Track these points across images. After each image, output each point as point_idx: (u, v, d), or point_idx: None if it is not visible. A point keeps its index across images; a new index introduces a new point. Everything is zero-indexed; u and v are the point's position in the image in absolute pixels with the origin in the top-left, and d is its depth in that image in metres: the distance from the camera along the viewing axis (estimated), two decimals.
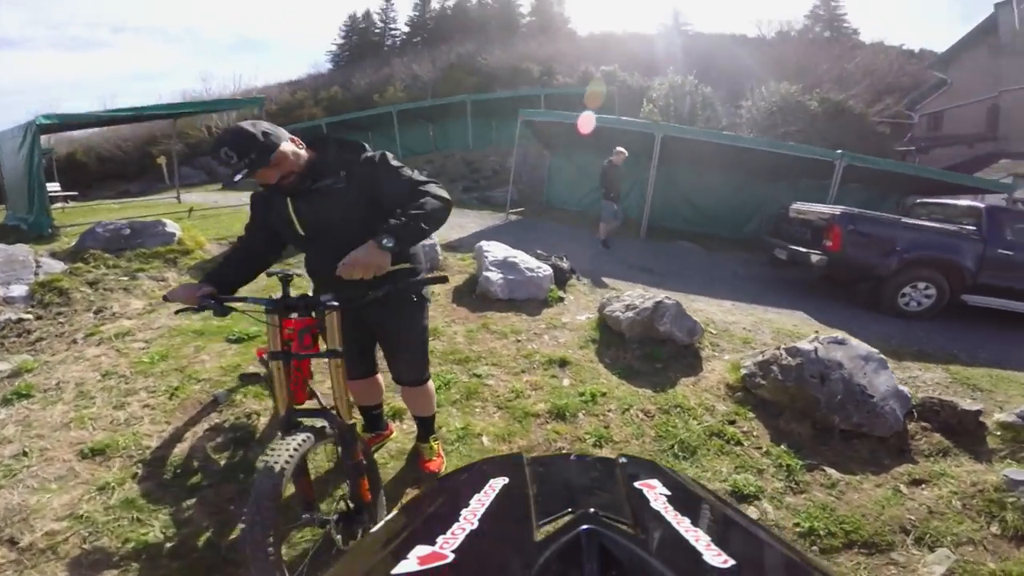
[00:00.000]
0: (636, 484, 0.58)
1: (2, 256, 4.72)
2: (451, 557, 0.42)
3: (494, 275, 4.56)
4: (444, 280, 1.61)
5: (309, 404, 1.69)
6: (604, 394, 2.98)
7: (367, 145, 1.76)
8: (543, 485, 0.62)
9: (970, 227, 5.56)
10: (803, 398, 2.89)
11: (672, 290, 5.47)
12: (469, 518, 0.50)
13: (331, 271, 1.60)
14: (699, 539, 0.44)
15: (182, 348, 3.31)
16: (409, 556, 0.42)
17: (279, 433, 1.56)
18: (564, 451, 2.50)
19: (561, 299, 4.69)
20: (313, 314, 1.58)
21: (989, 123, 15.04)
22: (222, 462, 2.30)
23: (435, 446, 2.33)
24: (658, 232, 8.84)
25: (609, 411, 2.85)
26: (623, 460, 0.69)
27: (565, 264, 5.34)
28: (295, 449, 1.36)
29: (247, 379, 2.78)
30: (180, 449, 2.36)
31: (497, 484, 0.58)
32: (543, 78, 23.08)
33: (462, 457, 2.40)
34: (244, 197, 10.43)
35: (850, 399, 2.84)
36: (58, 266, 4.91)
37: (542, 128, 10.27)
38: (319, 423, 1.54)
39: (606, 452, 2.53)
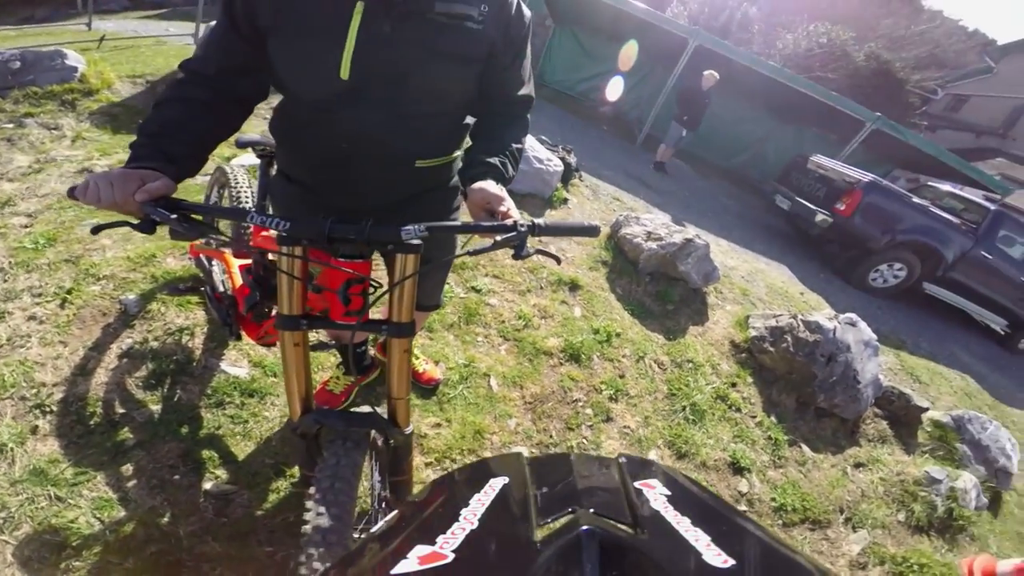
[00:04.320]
0: (636, 484, 0.58)
1: None
2: (451, 557, 0.42)
3: None
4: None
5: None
6: (619, 335, 2.71)
7: None
8: (543, 485, 0.60)
9: (970, 223, 5.60)
10: (802, 373, 2.85)
11: (671, 215, 5.17)
12: (469, 518, 0.49)
13: (367, 164, 1.04)
14: (699, 539, 0.44)
15: (74, 227, 2.38)
16: (409, 556, 0.42)
17: (300, 446, 1.07)
18: (577, 401, 2.27)
19: (565, 201, 4.19)
20: (363, 255, 0.97)
21: (1007, 122, 15.09)
22: (150, 407, 1.67)
23: (421, 356, 2.08)
24: (651, 141, 8.18)
25: (624, 356, 2.60)
26: (623, 460, 0.67)
27: (573, 160, 4.73)
28: (347, 495, 0.92)
29: (179, 292, 1.82)
30: (86, 387, 1.69)
31: (497, 484, 0.58)
32: None
33: (467, 404, 2.04)
34: (172, 27, 8.00)
35: (842, 382, 2.86)
36: None
37: None
38: (362, 433, 1.03)
39: (622, 407, 2.34)
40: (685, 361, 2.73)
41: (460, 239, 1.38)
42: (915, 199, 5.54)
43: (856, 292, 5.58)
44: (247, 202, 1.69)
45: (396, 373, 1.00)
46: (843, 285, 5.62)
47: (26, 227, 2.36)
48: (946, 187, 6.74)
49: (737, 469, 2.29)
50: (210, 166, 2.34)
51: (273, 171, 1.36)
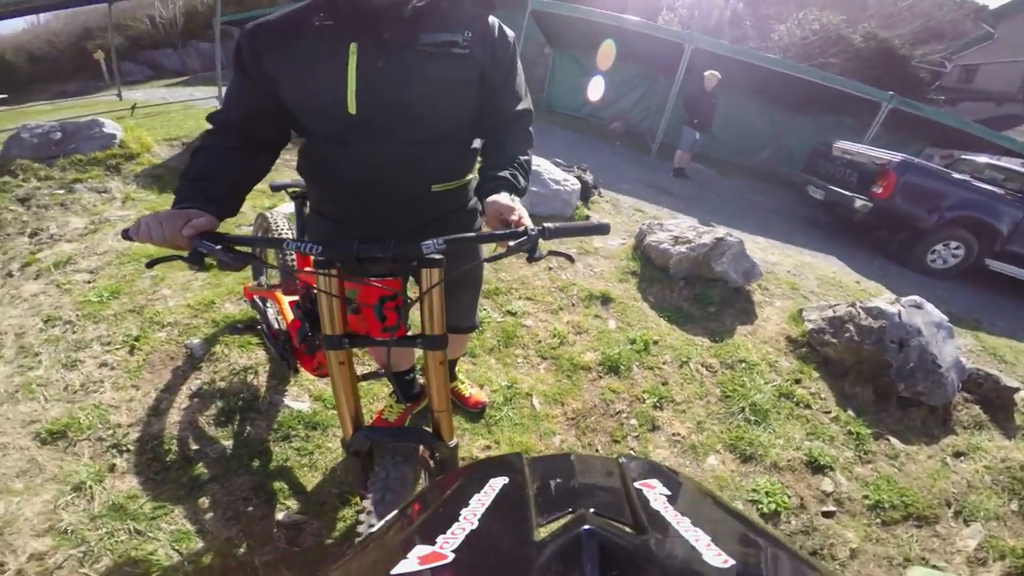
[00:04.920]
0: (636, 484, 0.57)
1: None
2: (451, 557, 0.41)
3: None
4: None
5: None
6: (656, 342, 2.60)
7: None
8: (543, 485, 0.60)
9: (1016, 192, 5.24)
10: (873, 362, 2.62)
11: (698, 218, 5.05)
12: (469, 518, 0.48)
13: (386, 192, 1.10)
14: (699, 539, 0.43)
15: (135, 280, 2.53)
16: (409, 556, 0.42)
17: (355, 465, 1.11)
18: (620, 413, 2.16)
19: (587, 219, 4.17)
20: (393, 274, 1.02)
21: None
22: (222, 443, 1.74)
23: (466, 381, 2.08)
24: (665, 149, 8.16)
25: (665, 363, 2.48)
26: (623, 460, 0.65)
27: (589, 178, 4.75)
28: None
29: (239, 332, 1.97)
30: (160, 427, 1.77)
31: (497, 484, 0.57)
32: None
33: (513, 424, 2.00)
34: (196, 92, 8.77)
35: (921, 367, 2.62)
36: None
37: (549, 20, 8.89)
38: (410, 447, 1.07)
39: (668, 414, 2.21)
40: (737, 361, 2.56)
41: (484, 256, 1.43)
42: (954, 174, 5.25)
43: (916, 276, 5.24)
44: None
45: (435, 386, 1.04)
46: (901, 270, 5.30)
47: (89, 282, 2.53)
48: (983, 159, 6.32)
49: (817, 468, 2.10)
50: (252, 215, 2.49)
51: (307, 210, 1.44)
